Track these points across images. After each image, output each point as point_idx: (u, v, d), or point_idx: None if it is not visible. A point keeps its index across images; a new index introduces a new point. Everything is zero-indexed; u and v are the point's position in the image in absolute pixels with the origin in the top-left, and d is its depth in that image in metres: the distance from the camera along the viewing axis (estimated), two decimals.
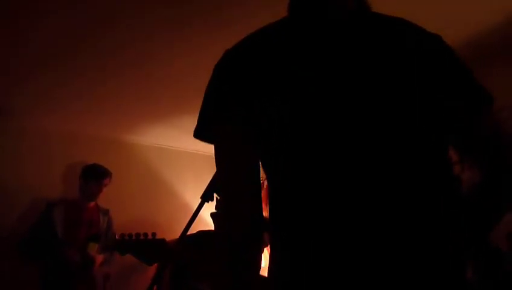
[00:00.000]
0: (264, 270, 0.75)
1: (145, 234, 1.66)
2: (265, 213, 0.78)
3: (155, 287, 1.43)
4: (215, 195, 1.80)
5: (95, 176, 2.92)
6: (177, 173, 3.71)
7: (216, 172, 0.97)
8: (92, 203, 2.96)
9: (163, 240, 1.69)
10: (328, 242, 0.66)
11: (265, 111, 0.73)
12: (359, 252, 0.64)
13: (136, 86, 2.74)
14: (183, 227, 3.08)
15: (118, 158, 3.42)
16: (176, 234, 3.11)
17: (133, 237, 1.67)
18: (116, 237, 1.69)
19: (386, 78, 0.72)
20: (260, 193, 0.78)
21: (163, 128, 3.38)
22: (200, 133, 0.81)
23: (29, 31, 2.10)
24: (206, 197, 2.69)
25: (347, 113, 0.70)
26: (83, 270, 2.66)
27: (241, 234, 0.73)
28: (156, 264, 1.76)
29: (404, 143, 0.69)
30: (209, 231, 2.43)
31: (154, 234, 1.66)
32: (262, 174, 0.79)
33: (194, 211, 3.25)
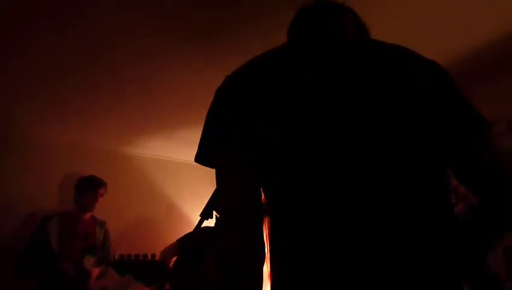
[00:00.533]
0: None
1: (145, 255, 1.65)
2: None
3: None
4: (214, 213, 1.78)
5: (90, 186, 2.89)
6: (175, 185, 3.69)
7: (216, 192, 0.98)
8: (88, 215, 2.92)
9: (163, 262, 1.67)
10: (327, 254, 0.67)
11: (264, 135, 0.74)
12: (354, 265, 0.65)
13: (136, 101, 2.75)
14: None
15: (117, 170, 3.40)
16: None
17: (132, 258, 1.65)
18: (116, 257, 1.67)
19: (384, 103, 0.73)
20: (261, 216, 0.78)
21: (161, 141, 3.38)
22: (201, 159, 0.82)
23: (32, 47, 2.10)
24: (205, 215, 2.68)
25: (343, 136, 0.71)
26: (78, 284, 2.62)
27: (244, 261, 0.73)
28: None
29: (402, 168, 0.70)
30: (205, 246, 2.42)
31: (154, 255, 1.65)
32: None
33: (192, 223, 3.24)
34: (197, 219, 3.28)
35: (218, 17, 1.92)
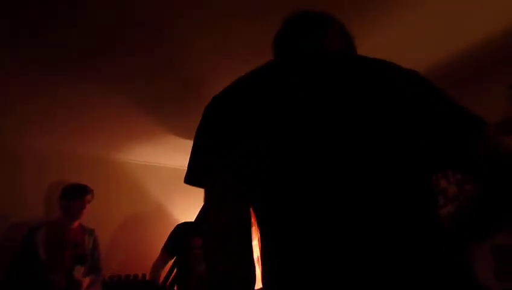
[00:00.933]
0: None
1: (135, 276, 1.62)
2: None
3: None
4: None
5: (77, 193, 2.84)
6: (166, 190, 3.67)
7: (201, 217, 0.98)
8: (76, 224, 2.87)
9: (153, 281, 1.65)
10: (316, 259, 0.67)
11: (253, 151, 0.74)
12: (342, 270, 0.65)
13: (123, 108, 2.71)
14: None
15: (107, 176, 3.36)
16: None
17: (123, 278, 1.62)
18: (106, 278, 1.63)
19: (368, 113, 0.73)
20: (250, 236, 0.77)
21: (151, 147, 3.34)
22: (191, 181, 0.83)
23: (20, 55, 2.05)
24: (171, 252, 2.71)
25: (329, 146, 0.72)
26: None
27: (235, 284, 0.71)
28: None
29: (388, 176, 0.70)
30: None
31: (144, 275, 1.62)
32: None
33: None
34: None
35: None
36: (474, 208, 0.78)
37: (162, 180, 3.67)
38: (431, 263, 0.66)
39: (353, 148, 0.71)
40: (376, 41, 1.99)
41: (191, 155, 0.83)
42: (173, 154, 3.38)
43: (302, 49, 0.91)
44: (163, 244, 2.82)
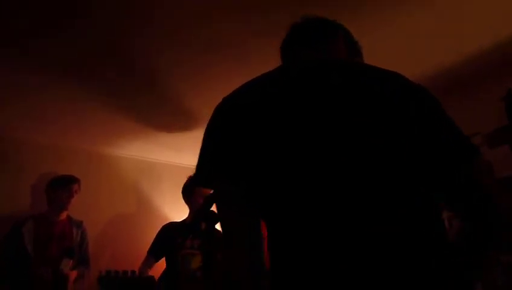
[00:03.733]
0: None
1: (133, 272, 1.63)
2: None
3: None
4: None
5: (63, 183, 2.80)
6: (158, 186, 3.63)
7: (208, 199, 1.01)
8: (63, 216, 2.82)
9: (151, 278, 1.66)
10: (317, 256, 0.69)
11: (256, 156, 0.77)
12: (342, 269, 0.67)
13: (118, 103, 2.68)
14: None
15: (99, 171, 3.31)
16: None
17: (120, 274, 1.63)
18: (103, 273, 1.64)
19: (364, 123, 0.75)
20: (261, 240, 0.80)
21: (144, 143, 3.30)
22: (201, 183, 0.85)
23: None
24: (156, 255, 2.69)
25: (331, 151, 0.73)
26: (55, 289, 2.56)
27: (245, 282, 0.74)
28: None
29: (386, 188, 0.71)
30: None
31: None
32: None
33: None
34: (177, 218, 3.27)
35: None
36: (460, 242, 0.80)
37: (154, 176, 3.64)
38: (423, 261, 0.68)
39: (352, 151, 0.73)
40: (372, 41, 2.02)
41: (199, 156, 0.84)
42: (166, 151, 3.37)
43: (310, 55, 0.94)
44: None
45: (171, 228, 2.77)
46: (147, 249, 2.78)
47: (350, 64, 0.89)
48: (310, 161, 0.74)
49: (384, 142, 0.74)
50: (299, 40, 0.99)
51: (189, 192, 2.67)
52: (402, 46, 2.12)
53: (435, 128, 0.77)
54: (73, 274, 2.66)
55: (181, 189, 2.76)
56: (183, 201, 2.78)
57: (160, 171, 3.66)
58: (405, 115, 0.76)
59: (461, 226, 0.82)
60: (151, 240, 2.82)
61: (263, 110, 0.79)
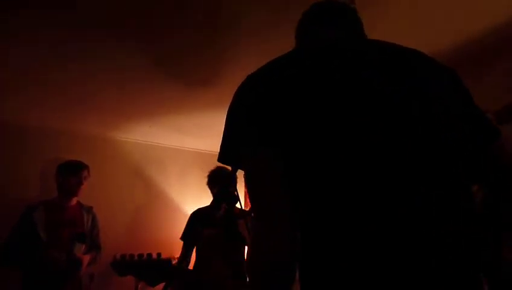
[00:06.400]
0: None
1: (149, 254, 1.61)
2: None
3: None
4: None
5: (73, 169, 2.81)
6: (163, 170, 3.60)
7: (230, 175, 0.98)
8: (74, 202, 2.84)
9: (168, 260, 1.64)
10: (350, 250, 0.67)
11: (287, 131, 0.73)
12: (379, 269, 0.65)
13: (119, 88, 2.65)
14: (168, 223, 3.03)
15: (105, 155, 3.30)
16: (161, 230, 3.10)
17: (135, 258, 1.62)
18: (117, 257, 1.63)
19: (400, 108, 0.73)
20: (293, 214, 0.75)
21: (148, 126, 3.27)
22: (226, 159, 0.82)
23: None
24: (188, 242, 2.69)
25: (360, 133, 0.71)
26: (69, 272, 2.58)
27: (280, 259, 0.71)
28: None
29: (426, 173, 0.70)
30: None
31: (159, 254, 1.62)
32: None
33: (178, 207, 3.18)
34: (183, 202, 3.28)
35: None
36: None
37: (159, 160, 3.62)
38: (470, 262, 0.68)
39: (391, 137, 0.71)
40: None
41: (225, 132, 0.81)
42: (172, 134, 3.33)
43: (335, 35, 0.92)
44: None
45: (196, 215, 2.78)
46: (155, 233, 2.78)
47: (386, 44, 0.85)
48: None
49: (435, 126, 0.72)
50: (323, 20, 0.97)
51: (217, 179, 2.64)
52: (409, 22, 2.06)
53: (470, 112, 0.81)
54: (86, 258, 2.68)
55: (188, 173, 2.75)
56: (189, 187, 2.77)
57: (165, 155, 3.64)
58: (448, 97, 0.77)
59: (486, 195, 0.91)
60: (159, 224, 2.82)
61: (302, 86, 0.75)
